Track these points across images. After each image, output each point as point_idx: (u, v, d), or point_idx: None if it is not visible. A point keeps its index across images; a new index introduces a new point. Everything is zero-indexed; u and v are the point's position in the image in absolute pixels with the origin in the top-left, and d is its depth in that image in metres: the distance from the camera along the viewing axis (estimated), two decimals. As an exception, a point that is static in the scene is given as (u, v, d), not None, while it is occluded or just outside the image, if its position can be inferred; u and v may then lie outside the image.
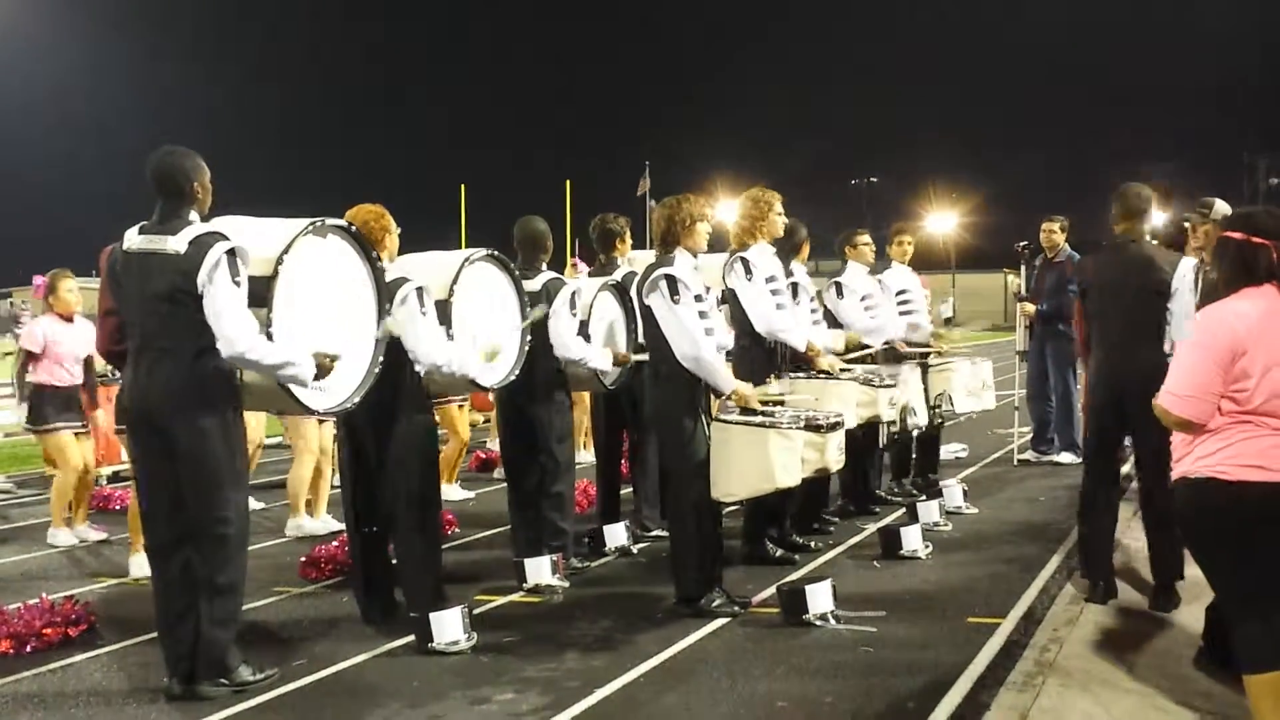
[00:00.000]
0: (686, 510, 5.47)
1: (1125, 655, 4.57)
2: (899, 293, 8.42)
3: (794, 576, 6.05)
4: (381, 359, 5.06)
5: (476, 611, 5.45)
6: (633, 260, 7.32)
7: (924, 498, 7.81)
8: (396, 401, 5.32)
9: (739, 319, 6.42)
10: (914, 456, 8.80)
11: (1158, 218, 9.35)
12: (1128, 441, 5.57)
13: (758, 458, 5.21)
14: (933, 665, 4.66)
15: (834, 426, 5.54)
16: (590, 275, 7.35)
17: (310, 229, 4.75)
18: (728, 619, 5.37)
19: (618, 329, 6.86)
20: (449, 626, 5.01)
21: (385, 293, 5.11)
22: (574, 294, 6.31)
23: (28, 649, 5.15)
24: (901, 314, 8.39)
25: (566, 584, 6.06)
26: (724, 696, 4.39)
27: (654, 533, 7.13)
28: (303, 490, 7.79)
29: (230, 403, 4.52)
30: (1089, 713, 3.96)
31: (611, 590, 6.07)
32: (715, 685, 4.51)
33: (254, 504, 8.12)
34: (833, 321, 7.85)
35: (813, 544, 6.82)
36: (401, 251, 5.73)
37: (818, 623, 5.19)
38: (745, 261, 6.33)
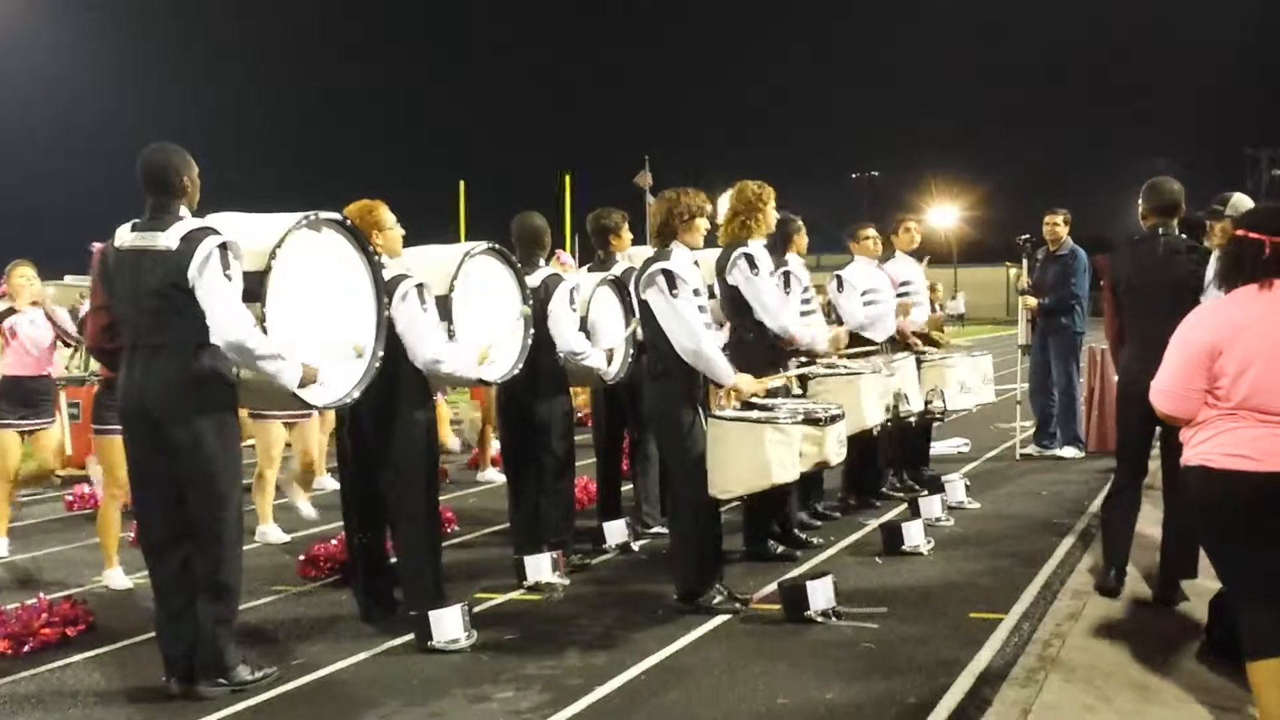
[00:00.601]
0: (686, 507, 5.45)
1: (1128, 650, 4.55)
2: (902, 283, 8.40)
3: (795, 573, 6.02)
4: (381, 353, 5.03)
5: (476, 609, 5.43)
6: (632, 256, 7.29)
7: (925, 493, 7.79)
8: (397, 397, 5.30)
9: (738, 313, 6.37)
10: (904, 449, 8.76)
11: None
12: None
13: (753, 454, 5.18)
14: (935, 661, 4.64)
15: (833, 419, 5.51)
16: (589, 270, 7.32)
17: (304, 223, 4.73)
18: (728, 616, 5.35)
19: (616, 325, 6.84)
20: (448, 625, 5.00)
21: (383, 285, 5.08)
22: (572, 290, 6.29)
23: (25, 649, 5.14)
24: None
25: (567, 581, 6.04)
26: (725, 694, 4.37)
27: (654, 530, 7.12)
28: (270, 500, 7.66)
29: (226, 399, 4.50)
30: (1092, 707, 3.94)
31: (612, 588, 6.05)
32: (716, 682, 4.50)
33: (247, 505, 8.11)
34: (832, 316, 7.83)
35: (815, 540, 6.80)
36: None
37: (819, 619, 5.17)
38: (749, 257, 6.27)
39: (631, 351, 6.79)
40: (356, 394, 4.94)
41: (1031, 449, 10.28)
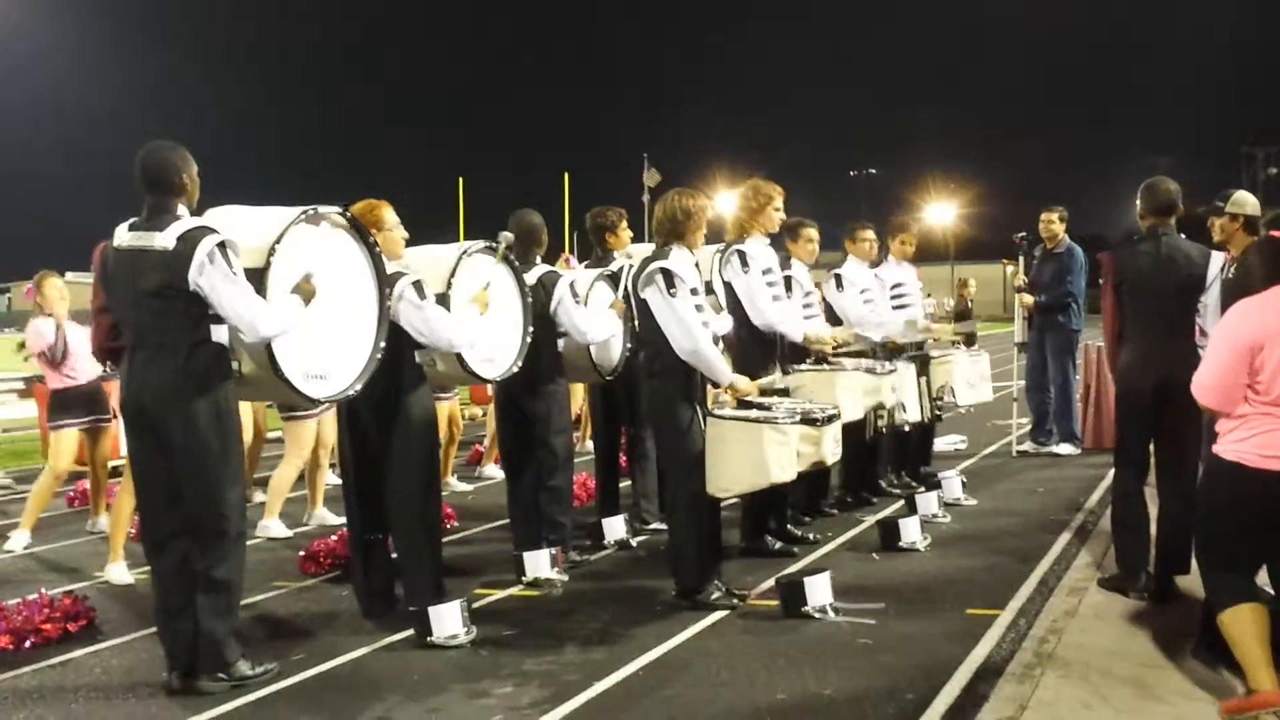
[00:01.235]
0: (684, 503, 5.47)
1: (1124, 646, 4.58)
2: (894, 286, 8.43)
3: (793, 569, 6.05)
4: (383, 345, 5.04)
5: (475, 605, 5.45)
6: (631, 254, 7.32)
7: (922, 490, 7.82)
8: (398, 392, 5.32)
9: (733, 309, 6.42)
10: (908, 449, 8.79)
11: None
12: None
13: (752, 453, 5.20)
14: (931, 657, 4.66)
15: (830, 419, 5.54)
16: (587, 267, 7.34)
17: (303, 218, 4.73)
18: (726, 612, 5.37)
19: (613, 319, 6.84)
20: (448, 620, 5.01)
21: (385, 277, 5.09)
22: (571, 284, 6.32)
23: (27, 644, 5.15)
24: (895, 309, 8.41)
25: (565, 577, 6.06)
26: (723, 689, 4.39)
27: (652, 526, 7.14)
28: (282, 493, 7.70)
29: (225, 396, 4.51)
30: (1087, 703, 3.96)
31: (610, 584, 6.07)
32: (714, 678, 4.52)
33: (260, 496, 8.14)
34: (830, 314, 7.85)
35: (812, 536, 6.83)
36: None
37: (816, 615, 5.19)
38: (742, 254, 6.35)
39: (628, 347, 6.81)
40: (358, 387, 4.96)
41: (1028, 446, 10.32)
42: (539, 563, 6.03)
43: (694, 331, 5.34)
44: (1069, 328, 10.07)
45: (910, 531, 6.59)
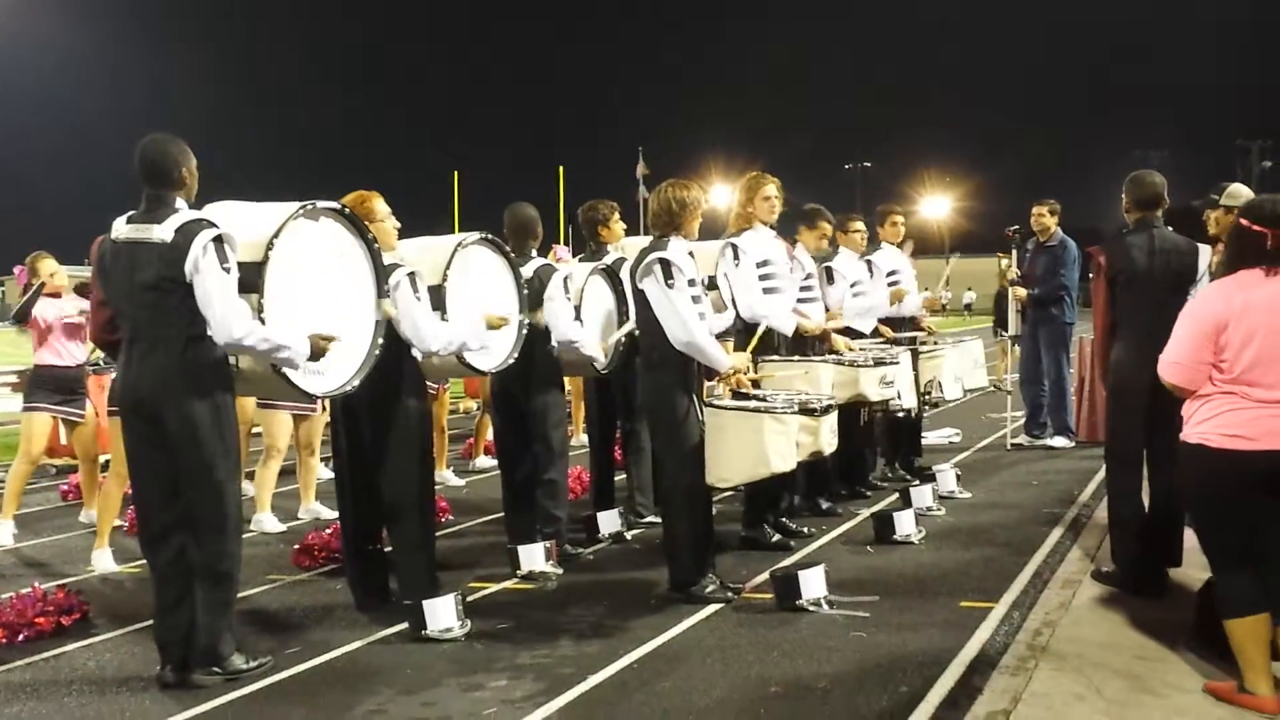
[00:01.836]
0: (679, 496, 5.46)
1: (1117, 638, 4.59)
2: (890, 273, 8.43)
3: (787, 562, 6.06)
4: (381, 341, 5.04)
5: (470, 598, 5.44)
6: (624, 247, 7.32)
7: (916, 482, 7.82)
8: (394, 387, 5.31)
9: (734, 303, 6.45)
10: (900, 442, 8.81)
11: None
12: None
13: (752, 443, 5.21)
14: (926, 649, 4.67)
15: (827, 410, 5.55)
16: (581, 261, 7.34)
17: (301, 212, 4.72)
18: (721, 605, 5.38)
19: (610, 314, 6.86)
20: (442, 613, 5.01)
21: (383, 273, 5.08)
22: (566, 279, 6.31)
23: (20, 638, 5.15)
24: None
25: (560, 571, 6.06)
26: (717, 682, 4.39)
27: (647, 519, 7.13)
28: (269, 486, 7.68)
29: (223, 390, 4.50)
30: (1081, 695, 3.97)
31: (605, 577, 6.07)
32: (708, 671, 4.52)
33: (248, 488, 8.13)
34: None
35: (807, 529, 6.83)
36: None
37: (811, 608, 5.20)
38: (734, 247, 6.39)
39: (623, 341, 6.81)
40: (356, 383, 4.95)
41: (1022, 439, 10.33)
42: (533, 556, 6.03)
43: (689, 322, 5.33)
44: (1062, 321, 10.09)
45: (905, 524, 6.60)
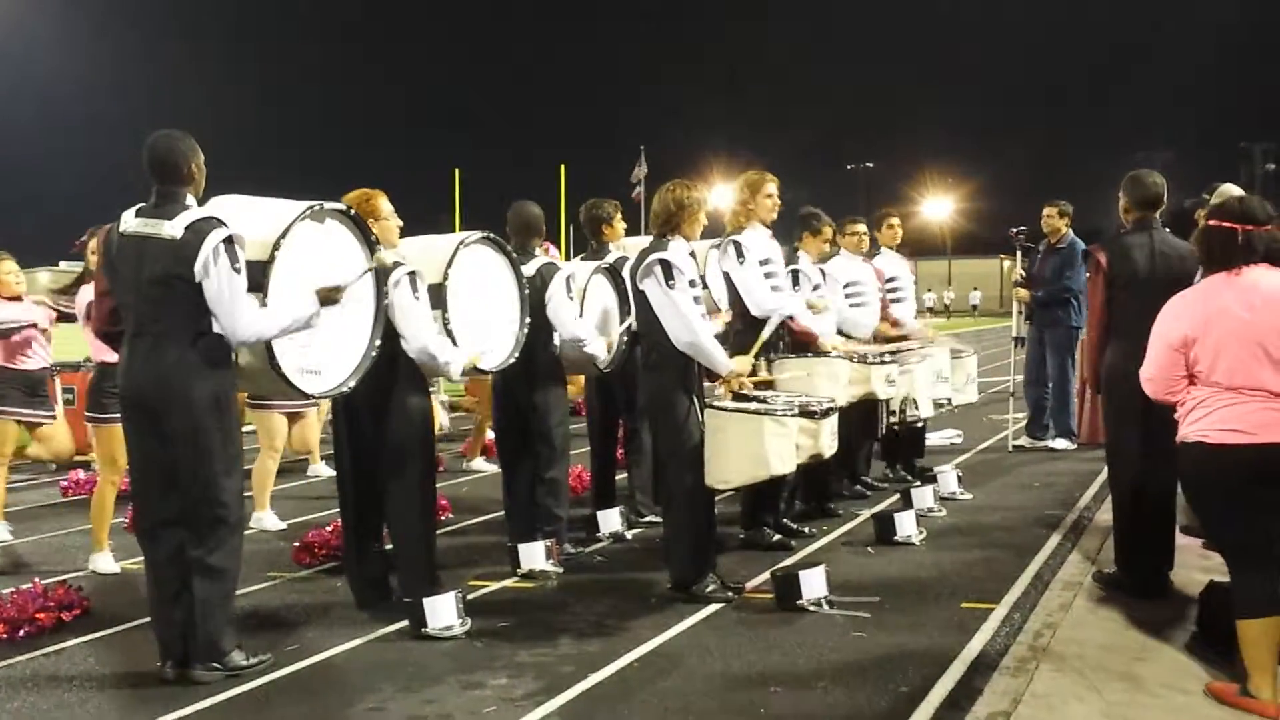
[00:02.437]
0: (680, 496, 5.46)
1: (1118, 640, 4.59)
2: (888, 279, 8.42)
3: (788, 562, 6.06)
4: (379, 343, 5.04)
5: (470, 597, 5.44)
6: (624, 246, 7.32)
7: (918, 483, 7.82)
8: (393, 384, 5.31)
9: (733, 302, 6.44)
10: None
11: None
12: None
13: (752, 445, 5.21)
14: (926, 650, 4.67)
15: (827, 412, 5.55)
16: (583, 260, 7.33)
17: (308, 214, 4.72)
18: (721, 605, 5.38)
19: (611, 313, 6.85)
20: (443, 612, 5.01)
21: (384, 274, 5.08)
22: (569, 278, 6.31)
23: (21, 634, 5.15)
24: (891, 301, 8.43)
25: (560, 569, 6.06)
26: (717, 681, 4.39)
27: (648, 518, 7.13)
28: (266, 485, 7.65)
29: (226, 386, 4.51)
30: (1082, 697, 3.97)
31: (605, 576, 6.07)
32: (709, 671, 4.52)
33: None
34: None
35: (808, 530, 6.83)
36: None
37: (811, 608, 5.20)
38: (738, 244, 6.38)
39: (625, 340, 6.81)
40: (353, 383, 4.95)
41: (1024, 440, 10.32)
42: (534, 555, 6.03)
43: (692, 323, 5.33)
44: (1068, 324, 10.02)
45: (905, 525, 6.60)
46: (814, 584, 5.26)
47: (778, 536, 6.54)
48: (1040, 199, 10.41)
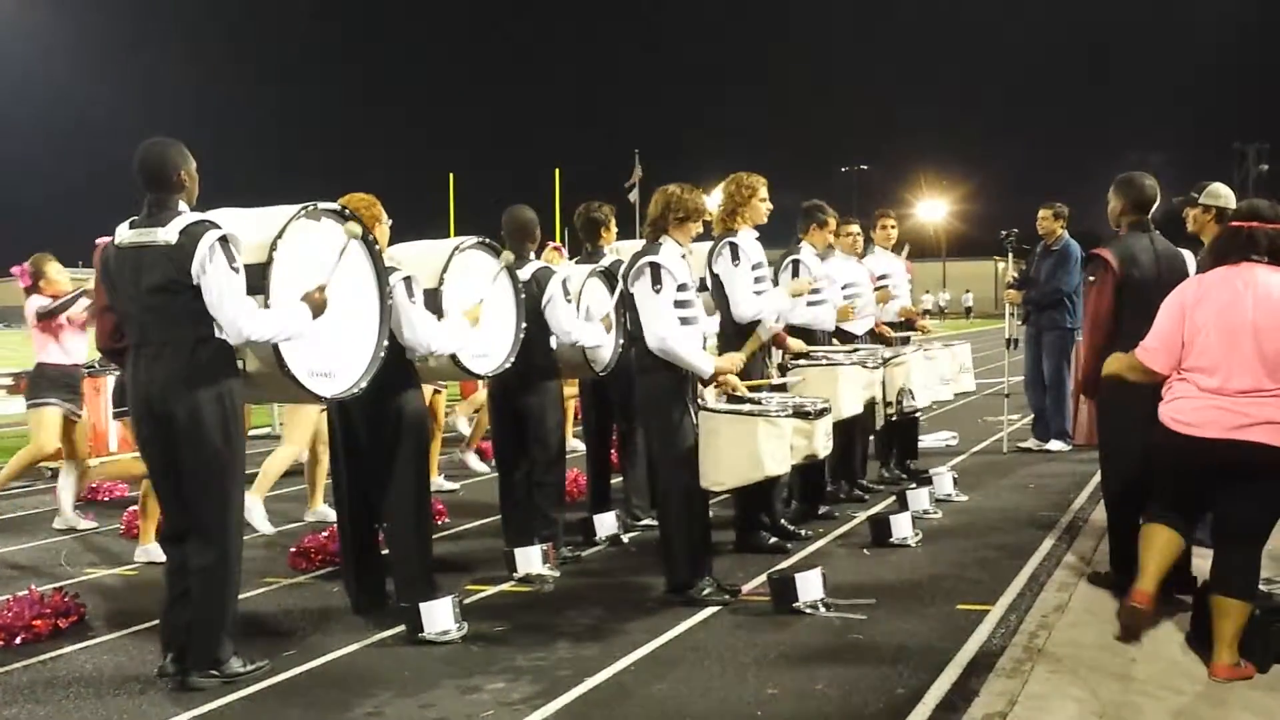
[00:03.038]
0: (675, 499, 5.47)
1: (1113, 641, 4.59)
2: (880, 277, 8.46)
3: (784, 565, 6.06)
4: (386, 343, 5.04)
5: (467, 601, 5.45)
6: (619, 250, 7.33)
7: (913, 485, 7.83)
8: (388, 389, 5.30)
9: (722, 303, 6.44)
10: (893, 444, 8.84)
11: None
12: None
13: (746, 447, 5.22)
14: (922, 652, 4.68)
15: (821, 413, 5.55)
16: (578, 263, 7.35)
17: (303, 213, 4.72)
18: (718, 607, 5.38)
19: (608, 316, 6.85)
20: (439, 616, 5.01)
21: (384, 274, 5.09)
22: (565, 281, 6.32)
23: (18, 641, 5.14)
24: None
25: (557, 573, 6.06)
26: (714, 684, 4.40)
27: (644, 522, 7.14)
28: (271, 475, 7.62)
29: (230, 392, 4.49)
30: (1078, 698, 3.98)
31: (602, 579, 6.08)
32: (706, 673, 4.52)
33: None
34: None
35: (804, 532, 6.84)
36: (391, 242, 5.71)
37: (808, 611, 5.20)
38: (734, 246, 6.36)
39: (620, 343, 6.82)
40: (364, 384, 4.94)
41: (1030, 443, 10.27)
42: (530, 558, 6.03)
43: (665, 327, 5.33)
44: (1064, 325, 10.00)
45: (901, 527, 6.61)
46: (810, 586, 5.27)
47: (774, 539, 6.55)
48: (1035, 201, 10.42)
